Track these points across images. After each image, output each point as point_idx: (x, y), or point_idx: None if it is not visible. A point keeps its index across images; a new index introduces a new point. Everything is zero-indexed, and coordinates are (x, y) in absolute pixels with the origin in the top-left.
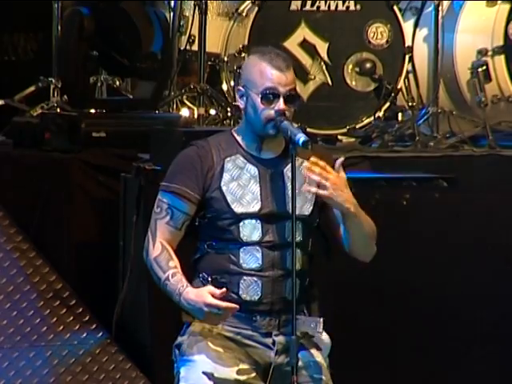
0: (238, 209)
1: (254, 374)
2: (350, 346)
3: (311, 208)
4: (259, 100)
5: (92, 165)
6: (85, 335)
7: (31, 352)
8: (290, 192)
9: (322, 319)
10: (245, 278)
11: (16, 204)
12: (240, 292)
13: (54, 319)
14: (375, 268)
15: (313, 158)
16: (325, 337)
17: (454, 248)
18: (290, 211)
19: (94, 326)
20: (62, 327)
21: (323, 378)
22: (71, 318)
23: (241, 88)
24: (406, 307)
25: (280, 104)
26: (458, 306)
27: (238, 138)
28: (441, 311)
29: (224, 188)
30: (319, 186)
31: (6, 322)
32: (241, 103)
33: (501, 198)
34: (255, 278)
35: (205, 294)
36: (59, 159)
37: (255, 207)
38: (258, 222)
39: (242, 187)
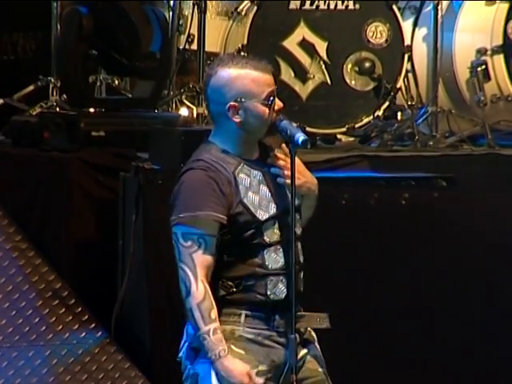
0: (262, 216)
1: (270, 375)
2: (348, 343)
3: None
4: (264, 108)
5: (91, 164)
6: (84, 334)
7: (30, 351)
8: (283, 187)
9: (327, 314)
10: (271, 278)
11: (15, 203)
12: (268, 293)
13: (53, 318)
14: (374, 267)
15: (276, 152)
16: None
17: (453, 247)
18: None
19: (93, 326)
20: (61, 326)
21: (325, 371)
22: (70, 317)
23: (233, 104)
24: (404, 306)
25: (279, 103)
26: (456, 306)
27: (228, 149)
28: (440, 310)
29: (245, 200)
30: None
31: (4, 322)
32: (236, 118)
33: (500, 197)
34: (281, 277)
35: (245, 373)
36: (58, 158)
37: (273, 209)
38: (276, 222)
39: (256, 194)
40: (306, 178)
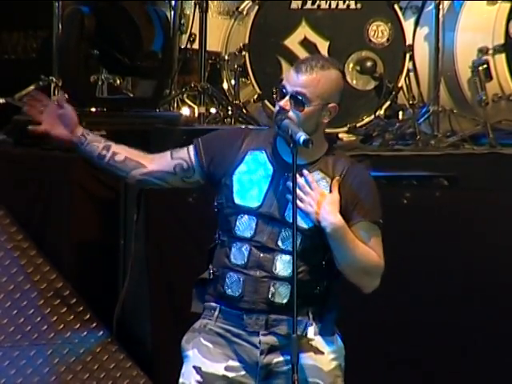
0: (238, 200)
1: (243, 373)
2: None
3: (311, 224)
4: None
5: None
6: (85, 334)
7: (32, 350)
8: (296, 201)
9: (313, 323)
10: (231, 273)
11: (17, 203)
12: (225, 287)
13: (55, 318)
14: None
15: (305, 171)
16: (329, 341)
17: (455, 246)
18: (286, 218)
19: (94, 325)
20: (62, 326)
21: (320, 382)
22: (72, 316)
23: (331, 106)
24: (406, 306)
25: (283, 102)
26: (458, 306)
27: (277, 138)
28: (441, 310)
29: (235, 177)
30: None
31: (6, 321)
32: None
33: (501, 196)
34: (239, 275)
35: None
36: (60, 158)
37: (255, 204)
38: (255, 219)
39: (252, 182)
40: (325, 210)
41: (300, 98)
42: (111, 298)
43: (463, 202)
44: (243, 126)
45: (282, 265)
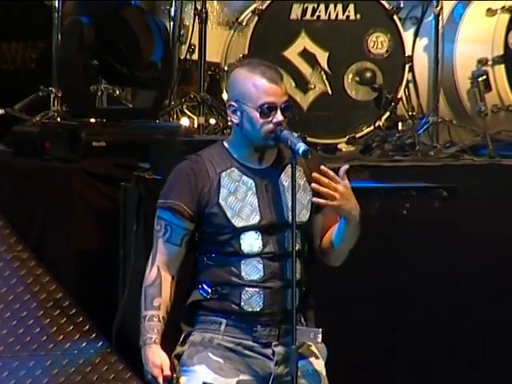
0: (238, 223)
1: None
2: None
3: (308, 214)
4: (257, 115)
5: (92, 174)
6: (85, 344)
7: (31, 361)
8: (287, 201)
9: (321, 330)
10: (247, 289)
11: (16, 213)
12: (242, 303)
13: (54, 328)
14: (374, 276)
15: (323, 167)
16: (322, 347)
17: (454, 257)
18: (289, 220)
19: (93, 336)
20: (61, 336)
21: None
22: (71, 327)
23: (233, 103)
24: (406, 315)
25: (278, 116)
26: (457, 315)
27: (231, 151)
28: (441, 319)
29: (222, 203)
30: (327, 196)
31: (6, 331)
32: (234, 118)
33: (501, 207)
34: (257, 289)
35: (158, 365)
36: (59, 168)
37: (255, 219)
38: (258, 233)
39: (239, 200)
40: (347, 199)
41: (289, 105)
42: (110, 309)
43: (463, 213)
44: (187, 160)
45: (296, 269)
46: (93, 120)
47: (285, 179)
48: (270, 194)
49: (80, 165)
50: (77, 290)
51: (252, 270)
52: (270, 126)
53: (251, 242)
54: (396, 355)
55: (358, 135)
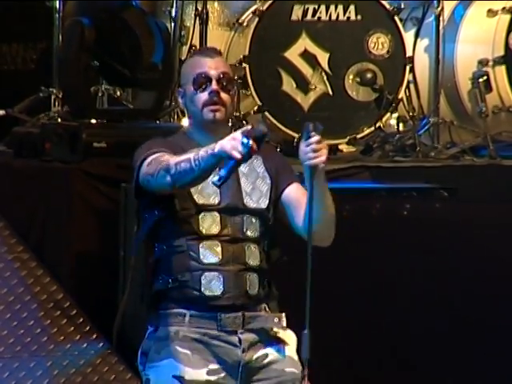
0: (199, 200)
1: (223, 374)
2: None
3: (267, 201)
4: (193, 90)
5: (93, 175)
6: (85, 345)
7: (31, 362)
8: (246, 186)
9: (283, 314)
10: (206, 273)
11: (16, 214)
12: (202, 288)
13: (55, 329)
14: (374, 277)
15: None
16: (290, 333)
17: (455, 258)
18: (247, 205)
19: (94, 337)
20: (62, 337)
21: (295, 371)
22: (72, 328)
23: (179, 89)
24: (405, 316)
25: (213, 85)
26: (457, 317)
27: (191, 136)
28: (441, 320)
29: None
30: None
31: (6, 332)
32: (181, 102)
33: (501, 208)
34: (216, 273)
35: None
36: (60, 169)
37: (215, 200)
38: (217, 215)
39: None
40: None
41: (228, 78)
42: (111, 310)
43: (463, 214)
44: (161, 138)
45: (252, 254)
46: (93, 121)
47: (243, 165)
48: (233, 177)
49: (80, 166)
50: (77, 291)
51: (210, 253)
52: (205, 95)
53: (210, 223)
54: (396, 355)
55: (358, 136)
